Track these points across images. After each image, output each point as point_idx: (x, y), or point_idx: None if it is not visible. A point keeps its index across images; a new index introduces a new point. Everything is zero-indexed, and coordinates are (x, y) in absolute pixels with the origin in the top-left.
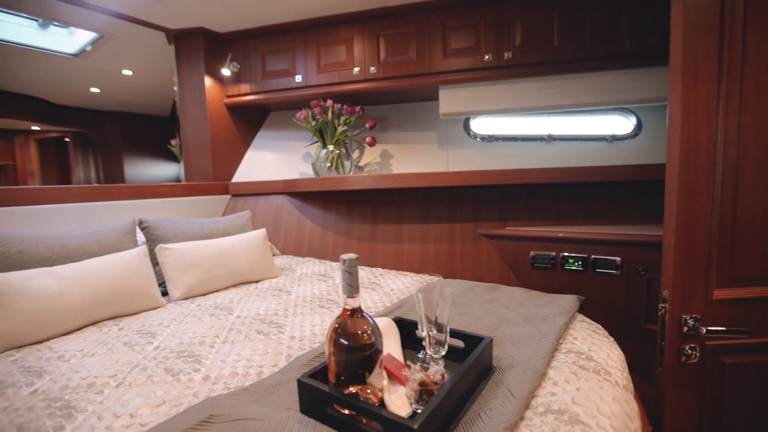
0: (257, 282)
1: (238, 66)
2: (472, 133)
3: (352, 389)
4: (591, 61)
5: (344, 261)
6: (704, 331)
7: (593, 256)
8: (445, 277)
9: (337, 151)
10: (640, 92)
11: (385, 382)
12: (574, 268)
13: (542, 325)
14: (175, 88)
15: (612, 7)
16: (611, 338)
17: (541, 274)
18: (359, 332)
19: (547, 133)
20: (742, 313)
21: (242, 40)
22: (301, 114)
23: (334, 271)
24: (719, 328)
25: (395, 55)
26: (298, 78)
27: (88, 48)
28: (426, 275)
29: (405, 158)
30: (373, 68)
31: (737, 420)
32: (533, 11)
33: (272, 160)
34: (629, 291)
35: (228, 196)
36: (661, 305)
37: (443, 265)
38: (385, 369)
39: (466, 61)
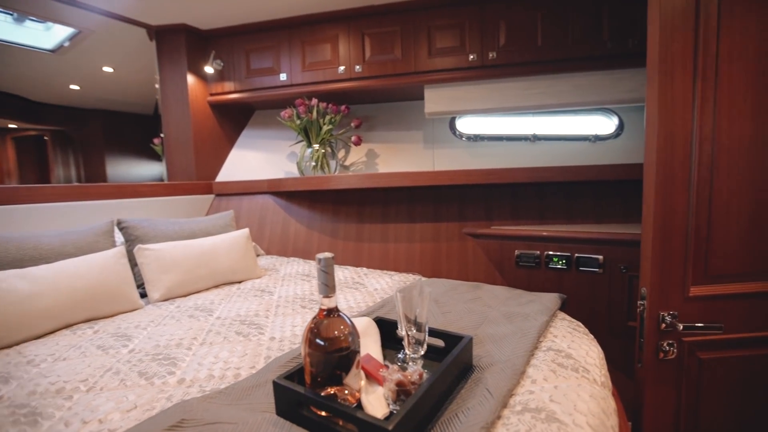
0: (240, 282)
1: (222, 64)
2: (457, 133)
3: (330, 390)
4: (574, 62)
5: (320, 260)
6: (681, 327)
7: (576, 255)
8: (430, 277)
9: (323, 151)
10: (621, 93)
11: (363, 382)
12: (558, 266)
13: (523, 324)
14: (157, 86)
15: (594, 8)
16: (591, 336)
17: (525, 273)
18: (335, 332)
19: (532, 133)
20: (717, 309)
21: (226, 38)
22: (285, 113)
23: None
24: (695, 325)
25: (380, 54)
26: (283, 76)
27: (66, 44)
28: (410, 275)
29: (391, 158)
30: (358, 67)
31: (713, 414)
32: (517, 11)
33: (257, 159)
34: (612, 289)
35: (211, 196)
36: (639, 302)
37: (429, 265)
38: (364, 369)
39: (452, 61)
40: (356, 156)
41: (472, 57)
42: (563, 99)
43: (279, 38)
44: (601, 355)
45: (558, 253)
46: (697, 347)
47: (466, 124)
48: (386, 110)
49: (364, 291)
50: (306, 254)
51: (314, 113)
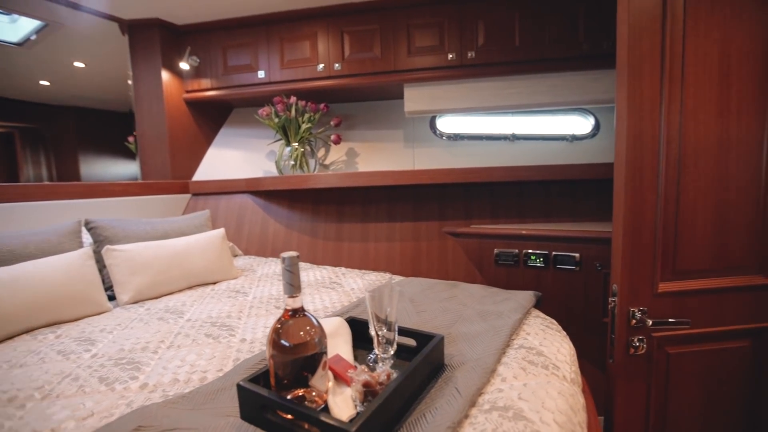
0: (215, 283)
1: (198, 60)
2: (437, 132)
3: (297, 392)
4: (551, 62)
5: (284, 259)
6: (650, 323)
7: (554, 253)
8: (410, 276)
9: (302, 149)
10: (597, 93)
11: (331, 383)
12: (536, 264)
13: (496, 322)
14: (129, 82)
15: (570, 10)
16: (563, 333)
17: (505, 271)
18: (300, 333)
19: (511, 133)
20: (684, 304)
21: (202, 34)
22: (263, 111)
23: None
24: (664, 320)
25: (360, 52)
26: (261, 74)
27: (33, 37)
28: (388, 274)
29: (371, 156)
30: (337, 65)
31: (681, 406)
32: (495, 11)
33: (235, 158)
34: (587, 286)
35: (188, 196)
36: (610, 299)
37: (409, 264)
38: (332, 370)
39: (431, 60)
40: (336, 155)
41: (451, 56)
42: (540, 99)
43: (257, 35)
44: (572, 351)
45: (536, 252)
46: (666, 342)
47: (446, 124)
48: (366, 109)
49: (341, 291)
50: None
51: (292, 111)
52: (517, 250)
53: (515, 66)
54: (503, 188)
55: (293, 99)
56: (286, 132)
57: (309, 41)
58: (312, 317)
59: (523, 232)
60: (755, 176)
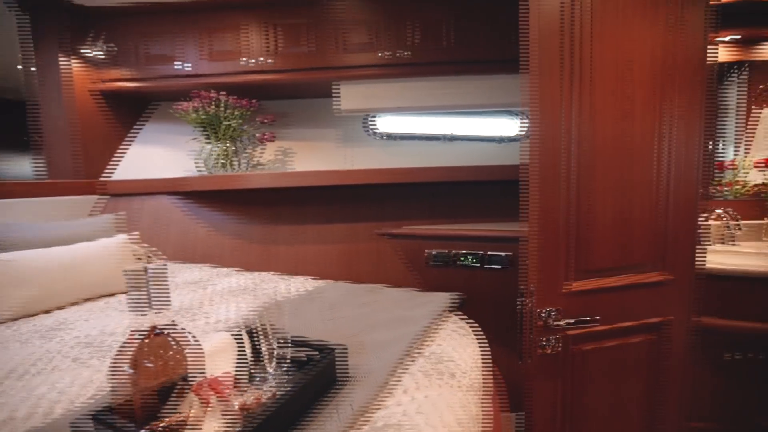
0: (116, 295)
1: (113, 48)
2: (373, 131)
3: (172, 419)
4: (483, 64)
5: (126, 272)
6: (561, 322)
7: (488, 253)
8: (345, 279)
9: (232, 148)
10: (525, 96)
11: (208, 406)
12: (470, 264)
13: (407, 329)
14: (20, 67)
15: (503, 13)
16: (477, 336)
17: (439, 272)
18: (152, 357)
19: (445, 133)
20: (593, 302)
21: (116, 18)
22: (182, 105)
23: (219, 277)
24: (575, 319)
25: (292, 46)
26: (186, 65)
27: None
28: (310, 278)
29: (307, 156)
30: (269, 59)
31: (594, 400)
32: (430, 11)
33: (162, 156)
34: (517, 284)
35: (95, 197)
36: (520, 300)
37: (344, 267)
38: (210, 391)
39: (364, 57)
40: (269, 154)
41: (386, 54)
42: (473, 100)
43: (181, 23)
44: (483, 356)
45: (470, 252)
46: (578, 340)
47: (384, 123)
48: (302, 107)
49: (260, 298)
50: (215, 259)
51: (219, 106)
52: (450, 251)
53: (449, 66)
54: (439, 189)
55: (215, 93)
56: (212, 129)
57: (238, 33)
58: (176, 337)
59: (457, 232)
60: (653, 177)
